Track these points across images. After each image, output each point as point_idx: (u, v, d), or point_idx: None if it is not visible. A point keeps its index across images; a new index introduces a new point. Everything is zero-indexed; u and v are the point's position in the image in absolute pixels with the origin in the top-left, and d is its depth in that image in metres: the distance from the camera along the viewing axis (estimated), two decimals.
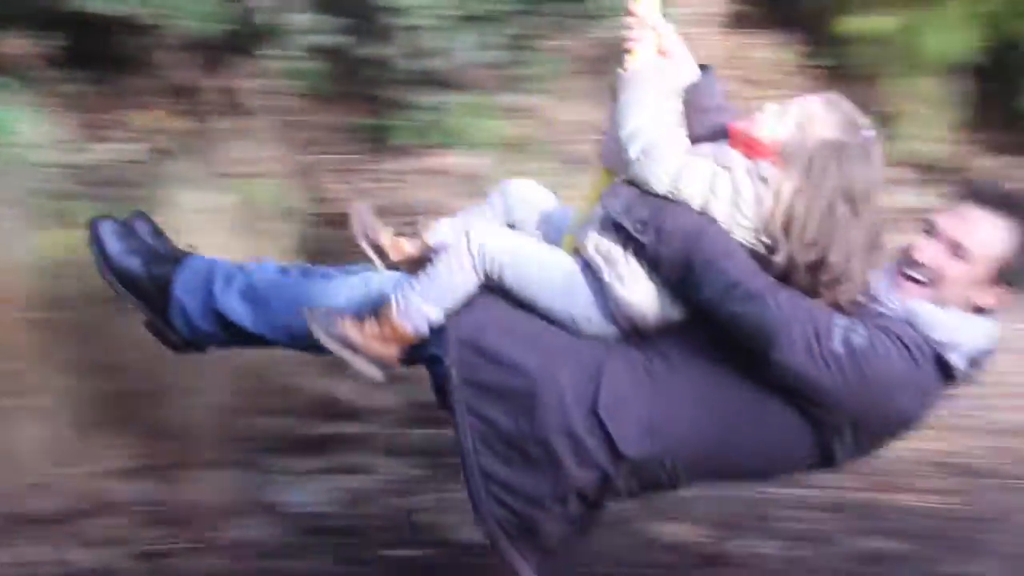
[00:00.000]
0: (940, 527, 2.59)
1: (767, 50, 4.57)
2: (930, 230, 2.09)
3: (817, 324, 1.95)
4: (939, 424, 2.50)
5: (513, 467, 2.09)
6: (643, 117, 2.05)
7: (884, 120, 4.50)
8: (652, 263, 2.03)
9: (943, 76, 4.24)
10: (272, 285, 2.24)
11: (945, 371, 2.02)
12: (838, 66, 4.43)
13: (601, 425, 2.04)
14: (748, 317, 1.95)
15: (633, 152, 2.03)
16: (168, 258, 2.33)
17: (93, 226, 2.33)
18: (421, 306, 2.12)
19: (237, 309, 2.25)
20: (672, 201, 2.02)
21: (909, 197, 4.30)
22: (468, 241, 2.12)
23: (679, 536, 2.55)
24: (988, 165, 4.39)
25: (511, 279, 2.13)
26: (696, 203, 2.02)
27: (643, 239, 2.01)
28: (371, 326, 2.14)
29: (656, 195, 2.03)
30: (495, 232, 2.17)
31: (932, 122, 4.25)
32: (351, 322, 2.13)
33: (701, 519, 2.59)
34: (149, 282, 2.29)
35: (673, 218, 2.01)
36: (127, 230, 2.34)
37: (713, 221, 2.01)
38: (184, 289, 2.27)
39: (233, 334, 2.27)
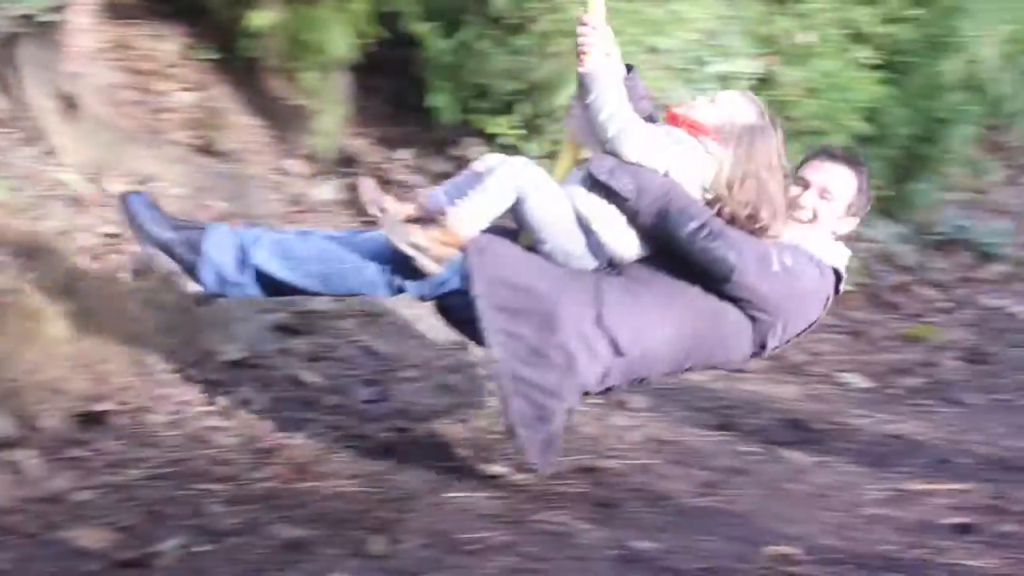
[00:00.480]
0: (362, 509, 2.71)
1: (152, 41, 4.49)
2: (803, 184, 2.90)
3: (760, 253, 2.74)
4: None
5: (538, 369, 2.72)
6: (613, 105, 2.73)
7: (278, 114, 4.63)
8: (631, 215, 2.75)
9: (331, 71, 4.41)
10: (300, 242, 2.81)
11: (837, 281, 2.87)
12: (226, 59, 4.45)
13: (606, 332, 2.75)
14: (714, 250, 2.70)
15: (611, 132, 2.73)
16: (190, 225, 2.88)
17: (126, 200, 2.83)
18: (472, 214, 2.74)
19: (272, 262, 2.78)
20: (643, 167, 2.73)
21: (316, 191, 4.46)
22: (513, 163, 2.77)
23: (94, 542, 2.41)
24: (400, 157, 4.65)
25: (532, 206, 2.75)
26: (661, 169, 2.74)
27: (627, 195, 2.71)
28: (432, 231, 2.70)
29: (630, 163, 2.73)
30: (531, 163, 2.80)
31: (324, 116, 4.42)
32: (418, 228, 2.70)
33: (116, 522, 2.47)
34: (182, 246, 2.79)
35: (649, 180, 2.73)
36: (149, 201, 2.86)
37: (676, 183, 2.74)
38: (217, 249, 2.79)
39: (266, 285, 2.81)
